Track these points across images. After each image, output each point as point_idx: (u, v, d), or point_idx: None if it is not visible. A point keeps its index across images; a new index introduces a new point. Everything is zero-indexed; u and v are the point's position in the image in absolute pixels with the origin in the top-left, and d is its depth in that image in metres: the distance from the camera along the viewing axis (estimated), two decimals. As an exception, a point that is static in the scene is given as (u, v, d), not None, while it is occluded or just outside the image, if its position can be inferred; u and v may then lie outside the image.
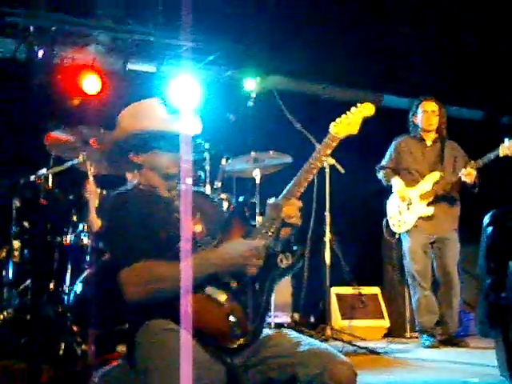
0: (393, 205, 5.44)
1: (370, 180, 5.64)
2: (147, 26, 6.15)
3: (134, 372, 2.04)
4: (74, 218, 4.59)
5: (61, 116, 5.53)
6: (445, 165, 5.33)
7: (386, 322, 6.00)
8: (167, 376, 1.87)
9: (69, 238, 4.53)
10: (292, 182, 2.24)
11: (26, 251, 4.66)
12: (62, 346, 3.85)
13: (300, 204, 2.22)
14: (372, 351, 4.80)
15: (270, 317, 5.27)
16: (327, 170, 5.21)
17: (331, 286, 5.59)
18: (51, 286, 4.48)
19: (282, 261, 2.17)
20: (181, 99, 5.96)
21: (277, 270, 2.18)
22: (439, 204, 5.25)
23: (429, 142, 5.42)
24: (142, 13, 6.07)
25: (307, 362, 1.99)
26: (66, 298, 4.25)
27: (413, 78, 7.01)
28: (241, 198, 2.32)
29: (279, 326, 5.39)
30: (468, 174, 5.03)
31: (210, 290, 2.07)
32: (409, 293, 5.62)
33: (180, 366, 1.86)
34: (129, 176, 4.24)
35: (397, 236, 5.43)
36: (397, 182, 5.38)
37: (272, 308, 5.21)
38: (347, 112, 2.40)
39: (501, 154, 4.88)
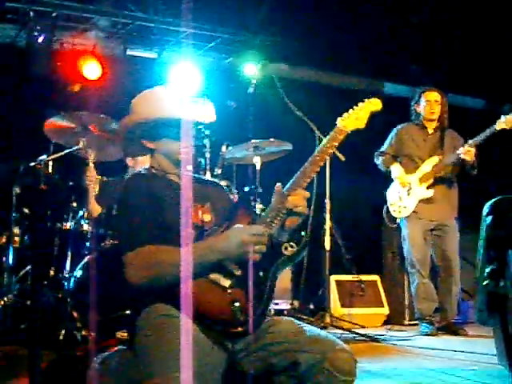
0: (393, 191, 5.45)
1: (371, 167, 5.64)
2: (148, 11, 6.13)
3: (134, 357, 2.05)
4: (74, 204, 4.60)
5: (61, 102, 5.52)
6: (444, 151, 5.34)
7: (385, 310, 6.02)
8: (167, 361, 1.88)
9: (69, 224, 4.54)
10: (298, 173, 2.25)
11: (26, 237, 4.68)
12: (62, 331, 3.87)
13: (307, 194, 2.22)
14: (371, 338, 4.82)
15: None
16: (327, 158, 5.19)
17: (331, 274, 5.61)
18: (51, 272, 4.49)
19: (286, 248, 2.17)
20: (182, 85, 5.95)
21: (281, 258, 2.18)
22: (438, 187, 5.26)
23: (430, 130, 5.44)
24: (143, -2, 6.06)
25: (308, 349, 2.00)
26: (66, 283, 4.26)
27: (413, 68, 7.01)
28: (246, 188, 2.33)
29: (279, 312, 5.41)
30: (467, 152, 5.03)
31: (214, 275, 2.08)
32: (408, 280, 5.65)
33: (180, 351, 1.87)
34: (130, 162, 4.27)
35: (397, 221, 5.45)
36: (396, 168, 5.40)
37: (272, 295, 5.22)
38: (354, 107, 2.42)
39: (497, 128, 4.86)
